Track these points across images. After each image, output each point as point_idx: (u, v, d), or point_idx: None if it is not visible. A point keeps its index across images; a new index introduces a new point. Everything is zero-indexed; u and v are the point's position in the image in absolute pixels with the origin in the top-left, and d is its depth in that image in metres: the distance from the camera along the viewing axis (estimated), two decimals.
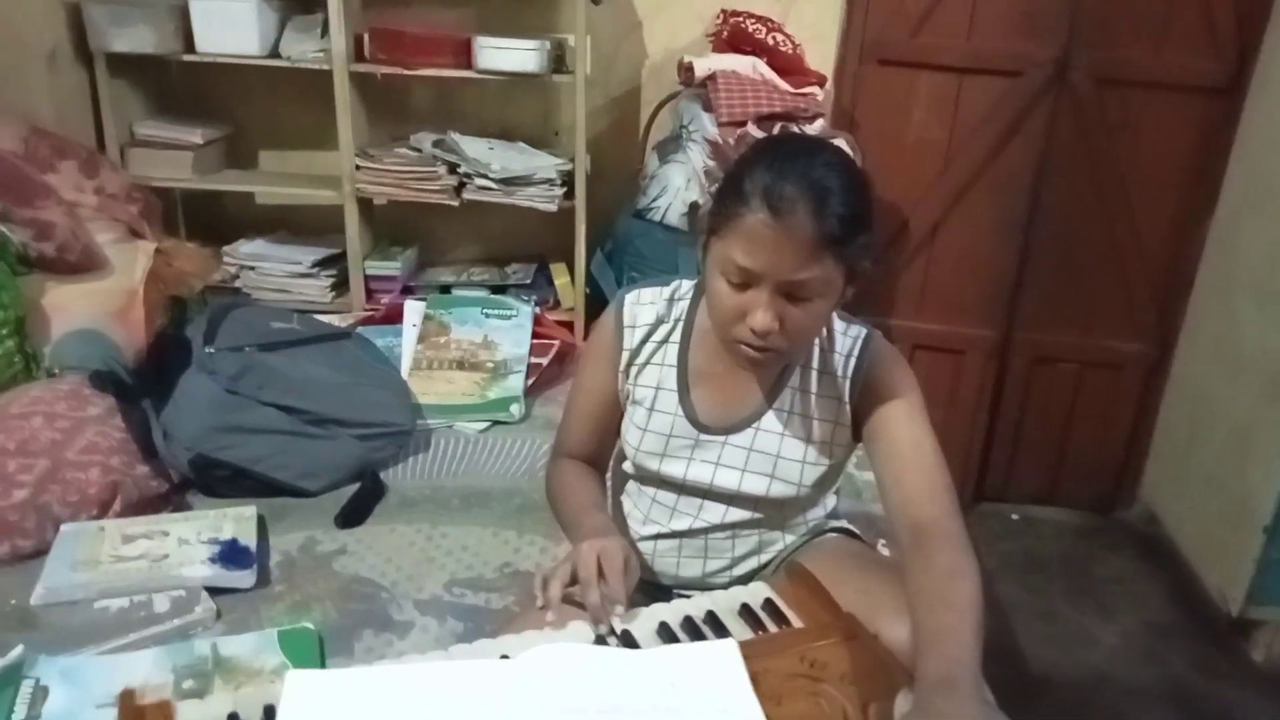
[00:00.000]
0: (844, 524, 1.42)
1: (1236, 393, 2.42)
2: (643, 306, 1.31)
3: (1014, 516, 2.99)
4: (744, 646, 1.00)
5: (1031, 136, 2.64)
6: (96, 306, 1.86)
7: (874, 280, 2.77)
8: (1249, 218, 2.47)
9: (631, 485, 1.40)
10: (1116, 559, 2.80)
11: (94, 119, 2.47)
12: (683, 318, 1.30)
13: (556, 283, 2.65)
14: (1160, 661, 2.38)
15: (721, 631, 1.07)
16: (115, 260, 2.00)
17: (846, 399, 1.26)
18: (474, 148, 2.50)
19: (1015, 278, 2.78)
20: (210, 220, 2.75)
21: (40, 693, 1.21)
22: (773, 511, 1.33)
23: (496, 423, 2.08)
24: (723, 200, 1.13)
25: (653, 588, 1.35)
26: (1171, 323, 2.77)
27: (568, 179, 2.50)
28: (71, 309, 1.84)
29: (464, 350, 2.20)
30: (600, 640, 1.05)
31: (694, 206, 2.43)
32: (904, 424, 1.22)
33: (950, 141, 2.69)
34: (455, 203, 2.49)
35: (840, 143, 2.04)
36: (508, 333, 2.24)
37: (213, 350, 1.85)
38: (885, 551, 1.49)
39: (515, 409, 2.09)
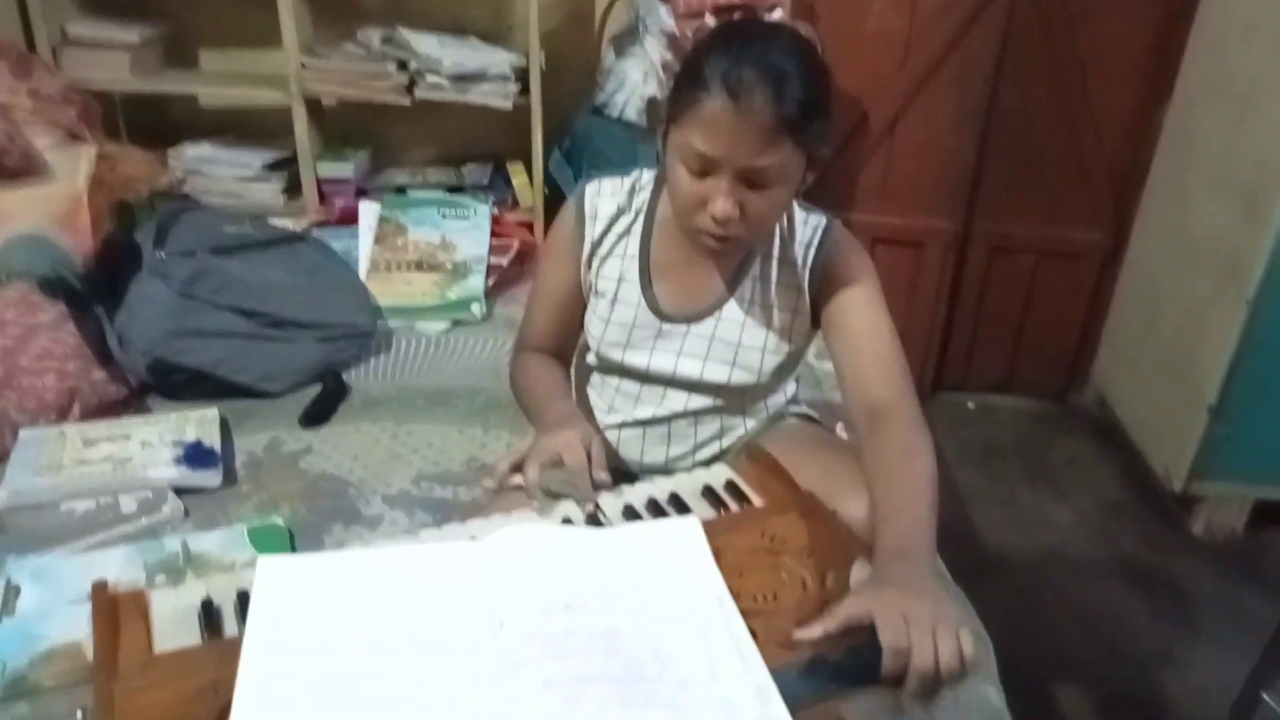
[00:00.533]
0: (804, 409, 1.45)
1: (1188, 278, 2.47)
2: (603, 198, 1.30)
3: (971, 405, 3.06)
4: (706, 524, 1.02)
5: (990, 26, 2.61)
6: (39, 212, 1.80)
7: (834, 174, 2.76)
8: (1204, 107, 2.48)
9: (595, 376, 1.41)
10: (1070, 443, 2.88)
11: (21, 18, 2.35)
12: (644, 208, 1.29)
13: (514, 182, 2.61)
14: (1110, 538, 2.48)
15: (685, 512, 1.09)
16: (56, 165, 1.93)
17: (806, 287, 1.27)
18: (424, 44, 2.43)
19: (974, 169, 2.78)
20: (152, 124, 2.65)
21: (12, 591, 1.22)
22: (734, 398, 1.35)
23: (458, 323, 2.07)
24: (681, 86, 1.11)
25: (617, 473, 1.38)
26: (1127, 211, 2.80)
27: (522, 75, 2.43)
28: (13, 215, 1.78)
29: (422, 251, 2.17)
30: (566, 521, 1.07)
31: (652, 101, 2.39)
32: (861, 311, 1.23)
33: (909, 32, 2.64)
34: (406, 101, 2.42)
35: (800, 29, 2.00)
36: (466, 233, 2.21)
37: (164, 255, 1.82)
38: (843, 435, 1.52)
39: (476, 309, 2.08)
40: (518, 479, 1.13)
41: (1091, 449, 2.85)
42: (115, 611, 0.88)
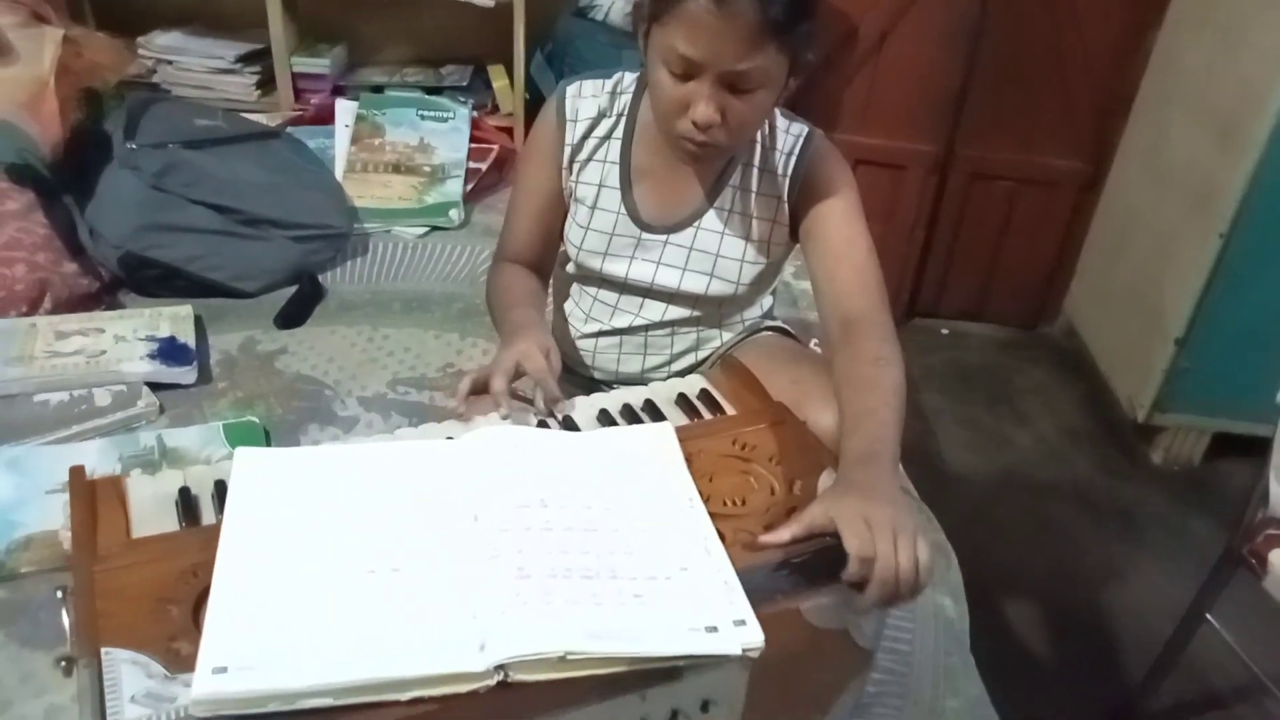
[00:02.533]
0: (779, 323, 1.46)
1: (1161, 207, 2.49)
2: (584, 100, 1.28)
3: (944, 331, 3.10)
4: (679, 430, 1.04)
5: None
6: (4, 96, 1.75)
7: (818, 92, 2.73)
8: (1190, 33, 2.47)
9: (574, 286, 1.41)
10: (1036, 371, 2.93)
11: None
12: (625, 112, 1.28)
13: (494, 85, 2.56)
14: (1068, 462, 2.55)
15: (659, 418, 1.11)
16: (20, 47, 1.87)
17: (785, 197, 1.27)
18: None
19: (959, 91, 2.75)
20: (119, 9, 2.56)
21: None
22: (711, 309, 1.36)
23: (435, 228, 2.05)
24: None
25: (593, 382, 1.39)
26: (1109, 141, 2.79)
27: None
28: None
29: (399, 153, 2.14)
30: (542, 425, 1.08)
31: (638, 6, 2.33)
32: (840, 222, 1.24)
33: None
34: None
35: None
36: (444, 136, 2.18)
37: (134, 146, 1.77)
38: (817, 350, 1.54)
39: (454, 214, 2.06)
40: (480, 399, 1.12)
41: (1057, 378, 2.90)
42: (93, 496, 0.89)
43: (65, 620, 0.79)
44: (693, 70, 1.08)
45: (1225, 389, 2.39)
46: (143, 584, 0.80)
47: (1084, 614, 2.07)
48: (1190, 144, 2.39)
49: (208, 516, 0.91)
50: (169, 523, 0.89)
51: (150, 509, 0.90)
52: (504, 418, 1.06)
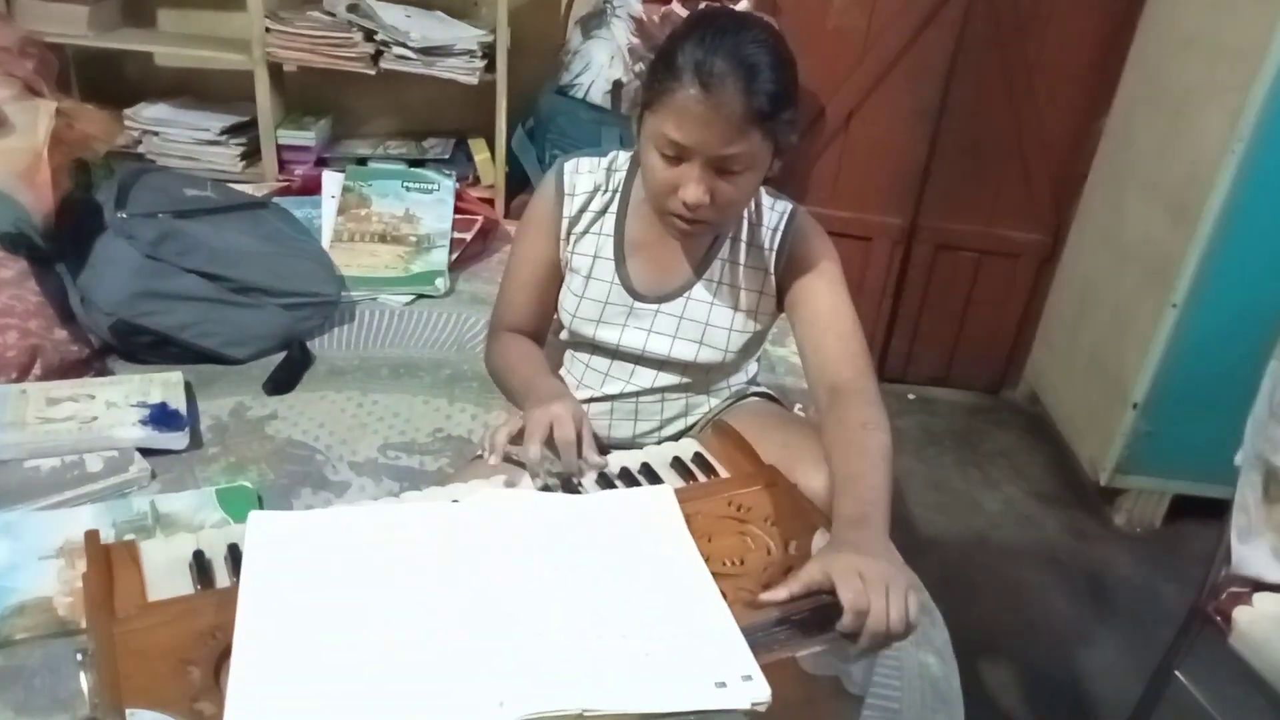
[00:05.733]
0: (763, 389, 1.51)
1: (1119, 280, 2.60)
2: (581, 175, 1.34)
3: (911, 396, 3.18)
4: (677, 492, 1.07)
5: (946, 27, 2.70)
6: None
7: (789, 167, 2.83)
8: (1141, 116, 2.61)
9: (567, 353, 1.45)
10: (1002, 434, 3.01)
11: None
12: (619, 188, 1.34)
13: (476, 158, 2.63)
14: (1036, 525, 2.61)
15: (656, 481, 1.15)
16: (15, 118, 1.90)
17: (772, 270, 1.33)
18: (390, 15, 2.43)
19: (924, 166, 2.87)
20: (106, 82, 2.61)
21: None
22: (699, 376, 1.40)
23: (421, 296, 2.09)
24: (655, 74, 1.16)
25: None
26: (1065, 214, 2.92)
27: (488, 51, 2.45)
28: None
29: (385, 223, 2.18)
30: (544, 489, 1.11)
31: (618, 85, 2.43)
32: (824, 294, 1.30)
33: (869, 29, 2.72)
34: (372, 71, 2.42)
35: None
36: (430, 207, 2.23)
37: (125, 215, 1.80)
38: (801, 414, 1.59)
39: (440, 283, 2.10)
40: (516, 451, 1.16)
41: (1023, 441, 2.98)
42: (108, 560, 0.91)
43: (84, 682, 0.80)
44: (683, 154, 1.14)
45: (1184, 452, 2.47)
46: (162, 645, 0.82)
47: (1058, 674, 2.11)
48: (1144, 219, 2.51)
49: (221, 579, 0.92)
50: (183, 585, 0.91)
51: (164, 572, 0.92)
52: (544, 487, 1.10)
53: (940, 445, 2.93)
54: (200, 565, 0.93)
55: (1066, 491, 2.74)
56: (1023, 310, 3.10)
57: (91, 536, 0.93)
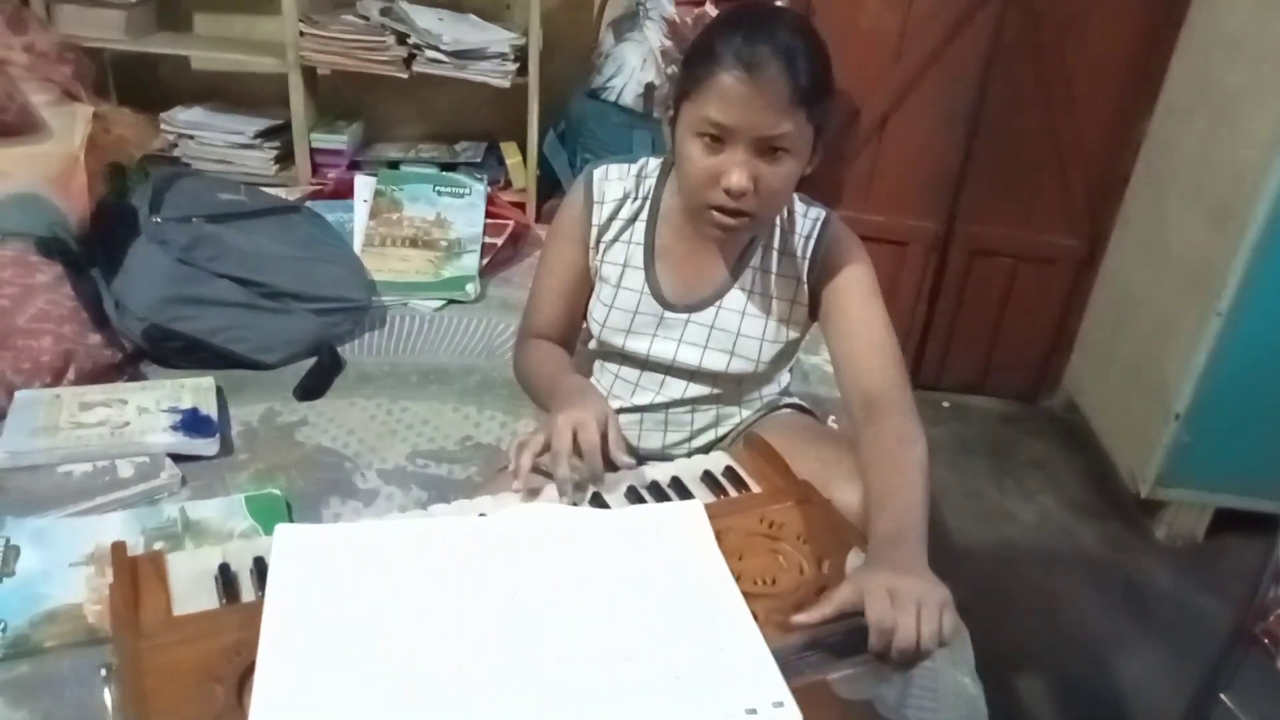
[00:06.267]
0: (796, 400, 1.49)
1: (1160, 288, 2.54)
2: (611, 183, 1.32)
3: (945, 404, 3.13)
4: (708, 508, 1.05)
5: (982, 28, 2.65)
6: (36, 171, 1.79)
7: (823, 170, 2.79)
8: (1184, 119, 2.55)
9: (595, 363, 1.43)
10: (1038, 443, 2.96)
11: None
12: (649, 195, 1.32)
13: (508, 162, 2.62)
14: (1073, 537, 2.55)
15: (685, 495, 1.13)
16: (52, 123, 1.92)
17: (805, 279, 1.31)
18: (423, 18, 2.43)
19: (959, 171, 2.83)
20: (142, 86, 2.63)
21: (12, 551, 1.22)
22: (731, 387, 1.38)
23: (452, 301, 2.08)
24: (692, 64, 1.14)
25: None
26: (1104, 219, 2.86)
27: (520, 54, 2.45)
28: (10, 173, 1.76)
29: (417, 228, 2.18)
30: (572, 503, 1.10)
31: (650, 88, 2.41)
32: (858, 303, 1.27)
33: (903, 31, 2.69)
34: (405, 75, 2.43)
35: None
36: (461, 211, 2.22)
37: (159, 220, 1.81)
38: (835, 427, 1.56)
39: (471, 288, 2.10)
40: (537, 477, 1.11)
41: (1059, 451, 2.92)
42: (135, 572, 0.90)
43: (107, 699, 0.80)
44: (726, 137, 1.12)
45: (1228, 464, 2.41)
46: (186, 662, 0.81)
47: (1094, 690, 2.06)
48: (1186, 226, 2.45)
49: (247, 593, 0.92)
50: (208, 599, 0.90)
51: (189, 585, 0.92)
52: (574, 503, 1.08)
53: (974, 454, 2.88)
54: (226, 578, 0.92)
55: (1104, 503, 2.68)
56: (1060, 317, 3.04)
57: (118, 548, 0.92)
